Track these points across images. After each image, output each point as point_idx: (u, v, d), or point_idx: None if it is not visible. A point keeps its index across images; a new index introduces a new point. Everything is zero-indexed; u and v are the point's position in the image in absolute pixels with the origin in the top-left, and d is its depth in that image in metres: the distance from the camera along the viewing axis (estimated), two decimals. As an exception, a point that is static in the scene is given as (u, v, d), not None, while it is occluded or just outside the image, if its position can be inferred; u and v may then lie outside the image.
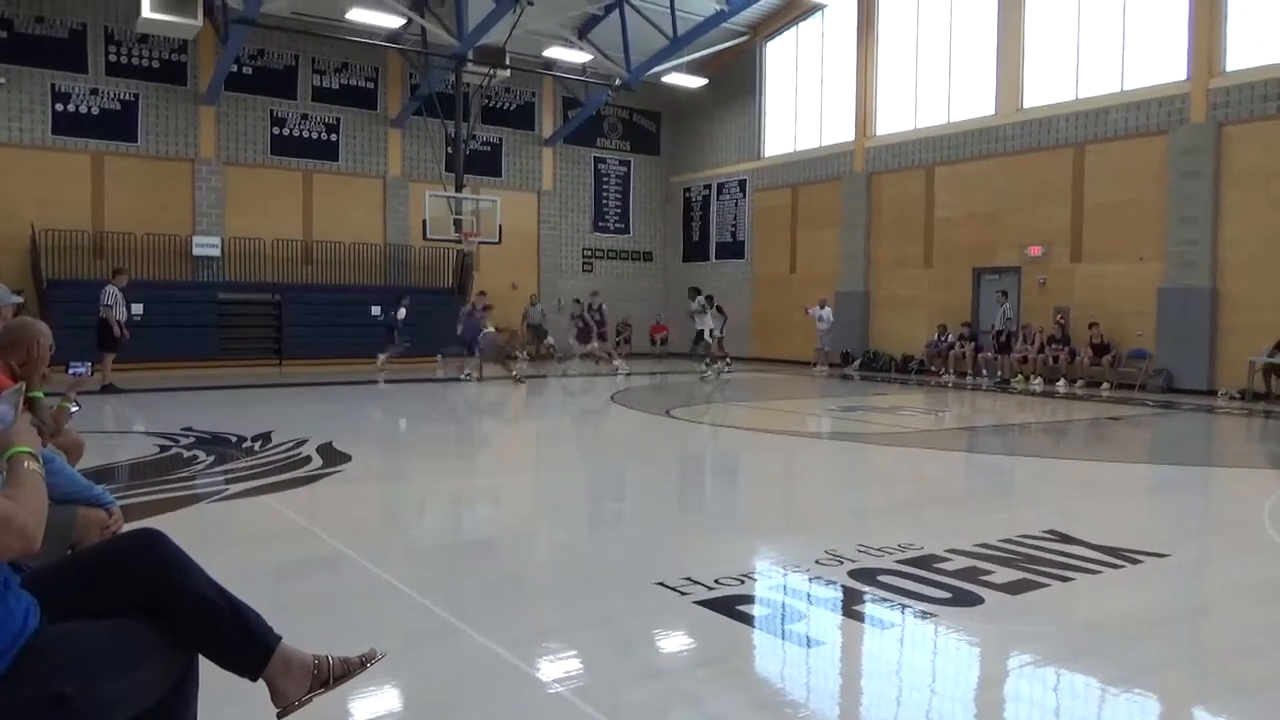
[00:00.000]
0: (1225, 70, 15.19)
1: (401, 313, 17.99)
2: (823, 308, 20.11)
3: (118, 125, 18.75)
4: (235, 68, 19.39)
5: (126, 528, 3.10)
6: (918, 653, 3.71)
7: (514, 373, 16.68)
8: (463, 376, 16.75)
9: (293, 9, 18.47)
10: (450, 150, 20.76)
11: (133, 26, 17.58)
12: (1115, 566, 4.75)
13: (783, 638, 3.78)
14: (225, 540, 5.26)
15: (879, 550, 4.93)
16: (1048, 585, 4.40)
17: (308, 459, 7.85)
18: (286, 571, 4.71)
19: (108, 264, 17.08)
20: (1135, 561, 4.85)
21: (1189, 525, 6.39)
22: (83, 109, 18.41)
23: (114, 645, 2.10)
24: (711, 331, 18.75)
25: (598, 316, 19.25)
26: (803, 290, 21.42)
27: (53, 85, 18.11)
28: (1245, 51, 14.99)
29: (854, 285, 21.07)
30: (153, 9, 16.05)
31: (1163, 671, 3.53)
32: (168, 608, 2.22)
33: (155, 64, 19.08)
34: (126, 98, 18.82)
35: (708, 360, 18.82)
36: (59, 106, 18.18)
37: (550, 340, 21.53)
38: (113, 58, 18.67)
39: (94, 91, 18.50)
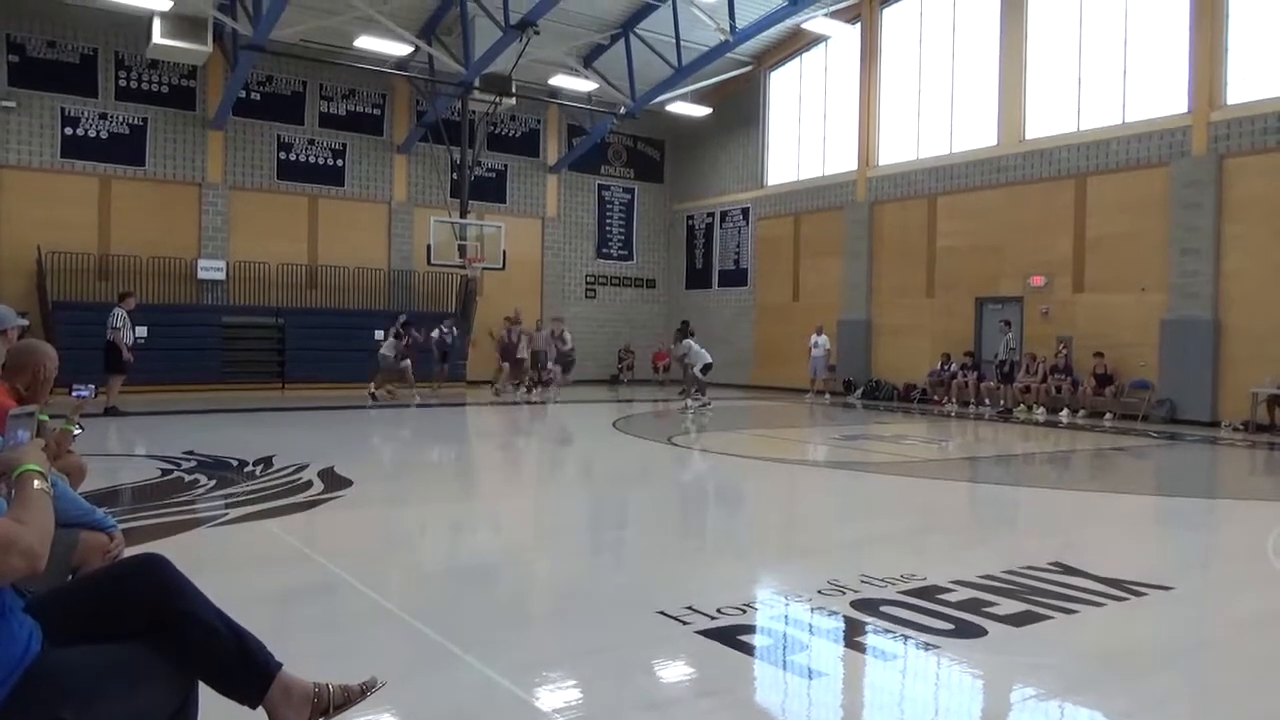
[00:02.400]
0: (1226, 103, 15.30)
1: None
2: (819, 334, 20.15)
3: (126, 149, 18.90)
4: (243, 93, 19.57)
5: (128, 552, 3.10)
6: (920, 685, 3.68)
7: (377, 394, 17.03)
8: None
9: (301, 36, 18.67)
10: (455, 176, 20.91)
11: (143, 52, 17.83)
12: (1119, 599, 4.72)
13: (784, 669, 3.76)
14: (226, 565, 5.24)
15: (882, 580, 4.91)
16: (1051, 617, 4.37)
17: (309, 484, 7.84)
18: (286, 597, 4.69)
19: (113, 286, 17.15)
20: (1139, 594, 4.83)
21: (1193, 557, 6.36)
22: (91, 133, 18.57)
23: (115, 670, 2.09)
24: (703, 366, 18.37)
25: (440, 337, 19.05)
26: (805, 318, 21.45)
27: (63, 109, 18.27)
28: (1246, 84, 15.11)
29: (856, 314, 21.11)
30: (163, 35, 16.29)
31: (1168, 705, 3.50)
32: (169, 633, 2.22)
33: (164, 89, 19.27)
34: (135, 122, 18.99)
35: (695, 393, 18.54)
36: (68, 130, 18.34)
37: (551, 366, 21.53)
38: (123, 82, 18.85)
39: (103, 116, 18.67)
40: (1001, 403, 17.48)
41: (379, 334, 19.86)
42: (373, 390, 16.99)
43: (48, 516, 2.01)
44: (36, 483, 2.05)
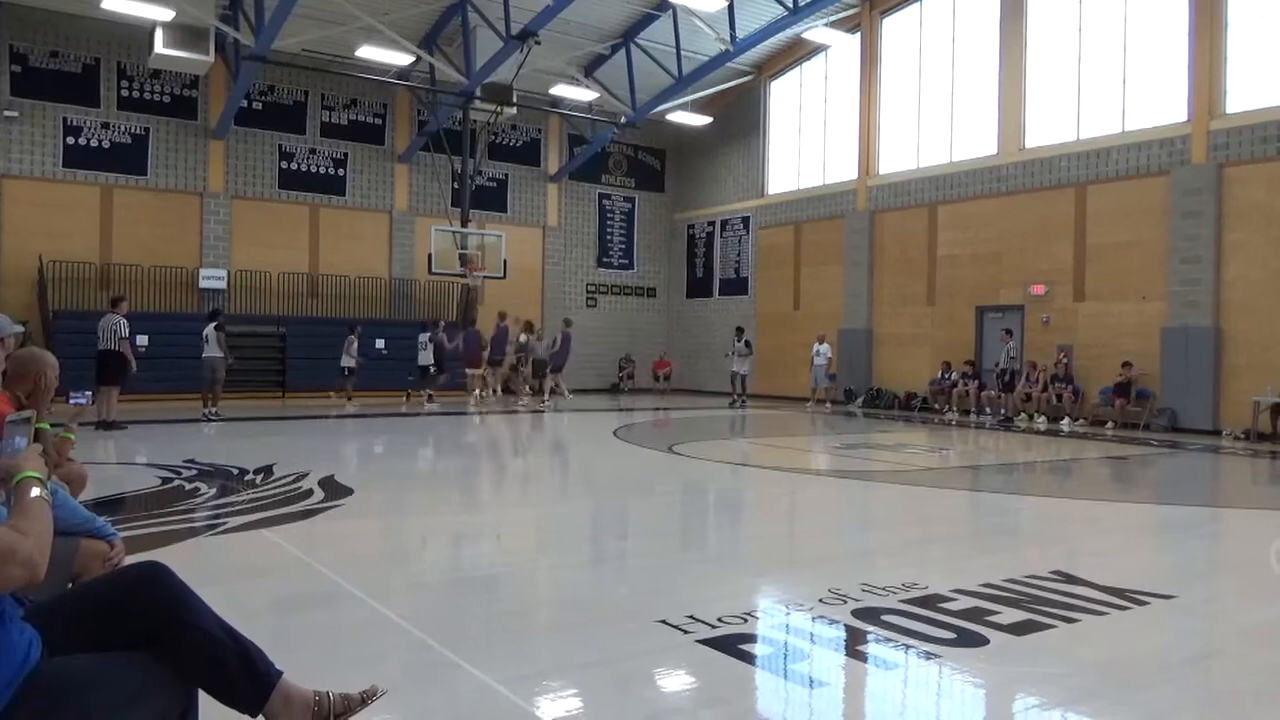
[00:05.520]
0: (1226, 111, 15.33)
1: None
2: (821, 343, 20.18)
3: (128, 158, 18.95)
4: (245, 103, 19.64)
5: (129, 560, 3.09)
6: (922, 694, 3.67)
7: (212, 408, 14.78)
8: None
9: (303, 46, 18.74)
10: (457, 185, 20.96)
11: (145, 62, 17.88)
12: (1122, 608, 4.71)
13: (786, 678, 3.74)
14: (225, 573, 5.23)
15: (883, 589, 4.90)
16: (1054, 626, 4.36)
17: (309, 492, 7.83)
18: (286, 606, 4.68)
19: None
20: (1142, 603, 4.81)
21: (1196, 566, 6.34)
22: (94, 142, 18.62)
23: (115, 679, 2.09)
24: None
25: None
26: (806, 327, 21.48)
27: (65, 119, 18.33)
28: (1245, 93, 15.14)
29: (857, 323, 21.11)
30: (165, 45, 16.34)
31: (1172, 716, 3.48)
32: (169, 641, 2.21)
33: (166, 99, 19.33)
34: (137, 131, 19.04)
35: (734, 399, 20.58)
36: (70, 140, 18.39)
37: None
38: (125, 92, 18.91)
39: (105, 125, 18.72)
40: (1002, 411, 17.47)
41: (380, 343, 19.94)
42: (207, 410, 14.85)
43: (47, 524, 2.00)
44: (35, 490, 2.04)
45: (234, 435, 12.74)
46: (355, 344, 18.05)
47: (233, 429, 13.51)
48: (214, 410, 14.74)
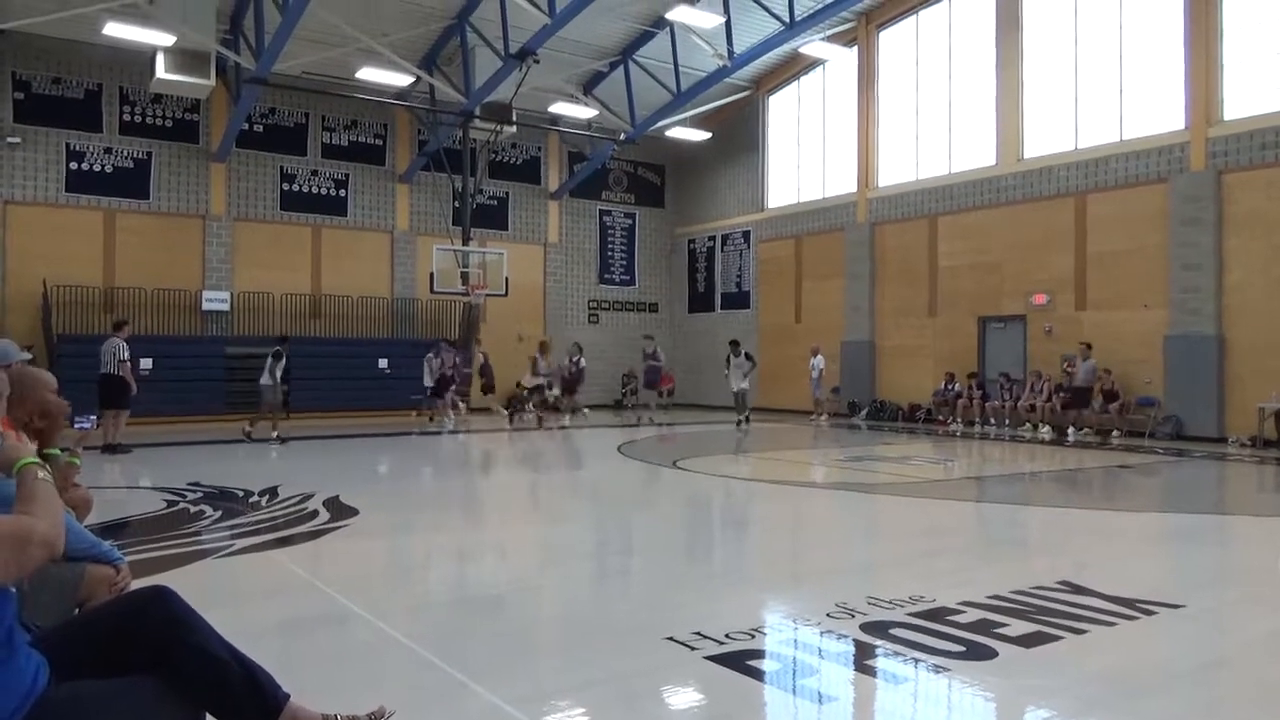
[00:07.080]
0: (1223, 119, 15.37)
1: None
2: (815, 355, 20.15)
3: (131, 183, 19.03)
4: (246, 125, 19.73)
5: (135, 584, 3.10)
6: (931, 708, 3.65)
7: (253, 431, 15.02)
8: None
9: (304, 68, 18.84)
10: (457, 204, 21.03)
11: (147, 87, 17.98)
12: (1130, 618, 4.69)
13: (794, 693, 3.73)
14: (232, 596, 5.22)
15: (890, 603, 4.88)
16: (1062, 638, 4.34)
17: (314, 513, 7.82)
18: (293, 627, 4.67)
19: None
20: (1150, 613, 4.80)
21: (1203, 575, 6.31)
22: (96, 167, 18.71)
23: (122, 704, 2.09)
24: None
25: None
26: (808, 340, 21.47)
27: (68, 144, 18.43)
28: (1243, 100, 15.18)
29: (859, 335, 21.11)
30: (167, 70, 16.45)
31: (1182, 726, 3.47)
32: (176, 665, 2.21)
33: (168, 123, 19.43)
34: (140, 156, 19.14)
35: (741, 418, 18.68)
36: (73, 165, 18.48)
37: (555, 392, 21.53)
38: (127, 117, 19.02)
39: (108, 150, 18.82)
40: (1006, 421, 17.44)
41: (383, 362, 19.97)
42: (248, 430, 15.05)
43: (55, 503, 2.07)
44: (40, 473, 2.11)
45: (238, 457, 12.74)
46: (434, 363, 18.17)
47: (236, 450, 13.50)
48: (275, 434, 14.87)
